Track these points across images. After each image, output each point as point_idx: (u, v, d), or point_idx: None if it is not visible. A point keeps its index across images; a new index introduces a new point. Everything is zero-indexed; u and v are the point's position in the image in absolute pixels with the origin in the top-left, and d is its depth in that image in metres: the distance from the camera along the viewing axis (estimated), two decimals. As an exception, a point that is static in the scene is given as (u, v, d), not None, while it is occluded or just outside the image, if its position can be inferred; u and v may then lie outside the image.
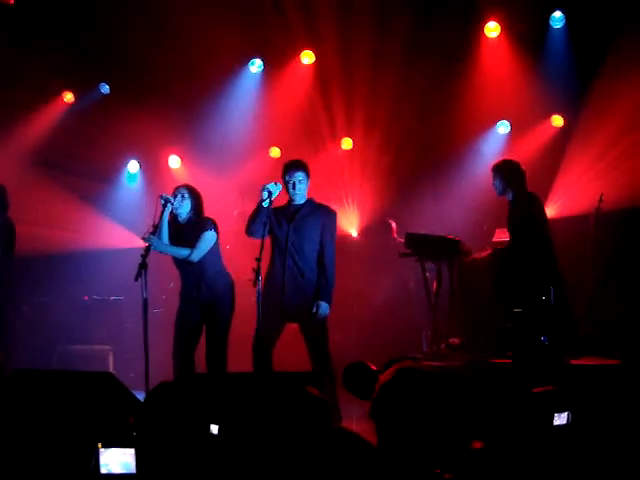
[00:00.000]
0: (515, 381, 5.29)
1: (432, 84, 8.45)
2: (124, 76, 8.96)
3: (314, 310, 5.85)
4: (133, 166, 9.62)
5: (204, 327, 6.23)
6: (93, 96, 9.25)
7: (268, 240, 6.00)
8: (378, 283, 8.30)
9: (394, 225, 8.61)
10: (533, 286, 6.37)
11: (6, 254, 7.13)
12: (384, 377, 2.69)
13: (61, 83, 9.22)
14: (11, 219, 7.28)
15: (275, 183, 5.84)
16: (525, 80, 8.27)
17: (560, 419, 3.20)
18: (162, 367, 6.06)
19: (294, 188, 5.92)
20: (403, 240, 8.34)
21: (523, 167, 6.61)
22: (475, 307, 6.79)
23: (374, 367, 3.45)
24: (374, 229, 8.83)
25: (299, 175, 5.92)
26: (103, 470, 2.69)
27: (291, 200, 6.01)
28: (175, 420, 2.92)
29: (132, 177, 9.69)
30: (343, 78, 8.77)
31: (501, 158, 6.94)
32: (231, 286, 6.29)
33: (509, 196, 6.55)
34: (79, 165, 9.18)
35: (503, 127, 8.75)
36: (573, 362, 5.88)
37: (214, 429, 3.29)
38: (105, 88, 9.28)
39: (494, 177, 6.58)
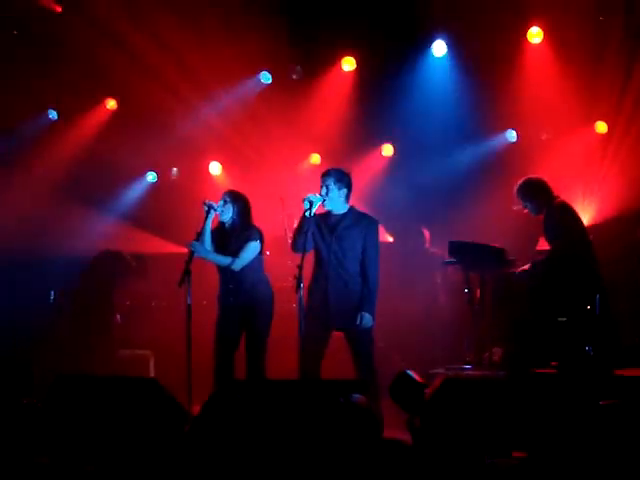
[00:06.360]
0: (560, 392, 5.21)
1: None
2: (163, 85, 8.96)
3: (358, 322, 5.87)
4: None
5: (244, 333, 6.25)
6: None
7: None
8: (410, 291, 8.07)
9: (427, 233, 8.42)
10: (577, 295, 6.29)
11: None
12: (431, 389, 2.68)
13: (104, 90, 9.32)
14: None
15: (315, 194, 5.91)
16: (569, 86, 8.14)
17: None
18: (203, 372, 6.07)
19: (324, 193, 5.96)
20: (436, 251, 8.17)
21: (545, 179, 6.63)
22: (517, 317, 6.70)
23: (420, 379, 3.42)
24: (405, 234, 8.63)
25: (327, 180, 5.97)
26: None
27: (330, 209, 6.02)
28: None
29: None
30: (380, 84, 8.74)
31: (521, 179, 6.75)
32: (271, 293, 6.31)
33: (540, 211, 6.59)
34: (120, 175, 9.30)
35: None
36: (617, 373, 5.78)
37: None
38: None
39: (520, 201, 6.62)
